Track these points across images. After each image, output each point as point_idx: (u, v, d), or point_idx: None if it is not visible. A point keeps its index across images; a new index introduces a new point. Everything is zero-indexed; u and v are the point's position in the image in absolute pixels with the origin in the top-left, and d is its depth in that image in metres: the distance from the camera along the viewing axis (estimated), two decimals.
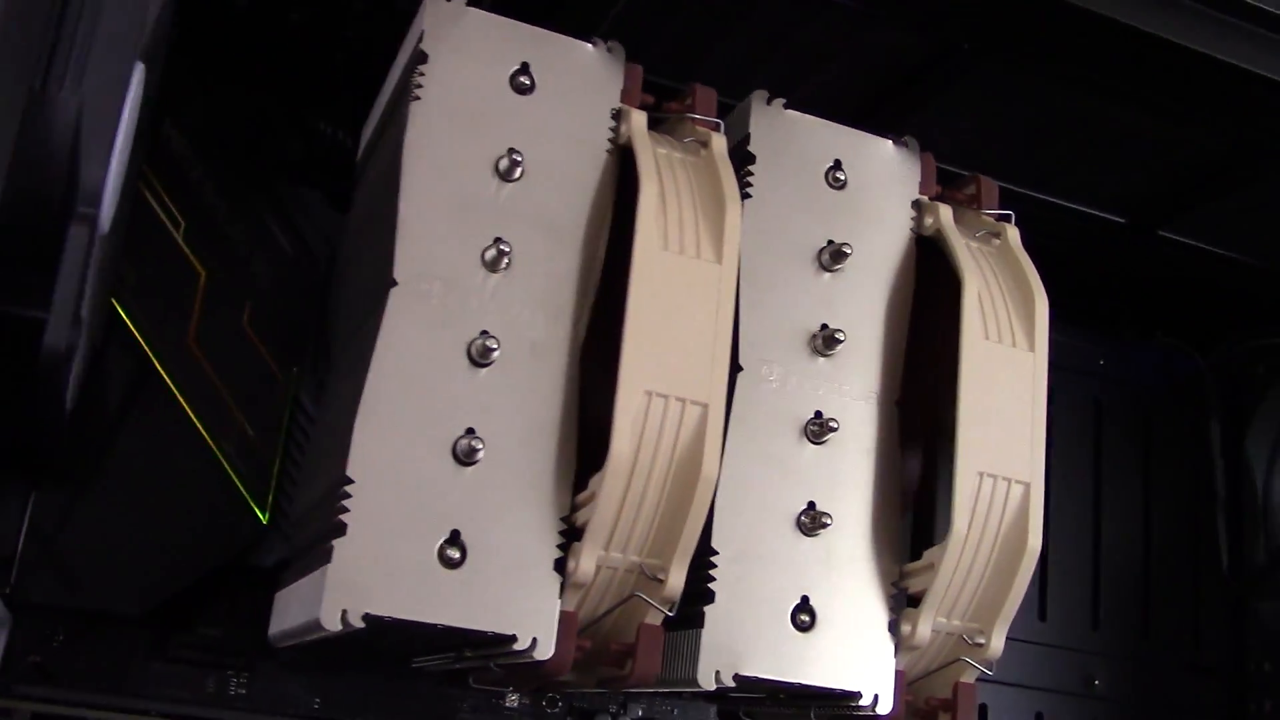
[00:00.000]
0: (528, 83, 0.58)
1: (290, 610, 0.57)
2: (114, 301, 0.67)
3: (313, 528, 0.57)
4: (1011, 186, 0.75)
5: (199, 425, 0.68)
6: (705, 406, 0.53)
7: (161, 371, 0.68)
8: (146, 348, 0.67)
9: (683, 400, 0.53)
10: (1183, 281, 0.91)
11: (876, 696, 0.57)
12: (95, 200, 0.44)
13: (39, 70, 0.44)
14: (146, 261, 0.69)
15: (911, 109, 0.74)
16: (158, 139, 0.70)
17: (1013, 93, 0.72)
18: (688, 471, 0.53)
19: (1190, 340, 0.96)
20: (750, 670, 0.55)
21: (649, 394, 0.53)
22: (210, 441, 0.68)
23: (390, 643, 0.59)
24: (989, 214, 0.64)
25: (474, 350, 0.54)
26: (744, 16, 0.67)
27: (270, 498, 0.70)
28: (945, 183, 0.66)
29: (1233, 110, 0.70)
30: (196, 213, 0.71)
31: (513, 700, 0.74)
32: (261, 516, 0.69)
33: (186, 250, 0.70)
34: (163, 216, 0.70)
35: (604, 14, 0.65)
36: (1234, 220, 0.84)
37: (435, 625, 0.51)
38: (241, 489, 0.69)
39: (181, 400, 0.68)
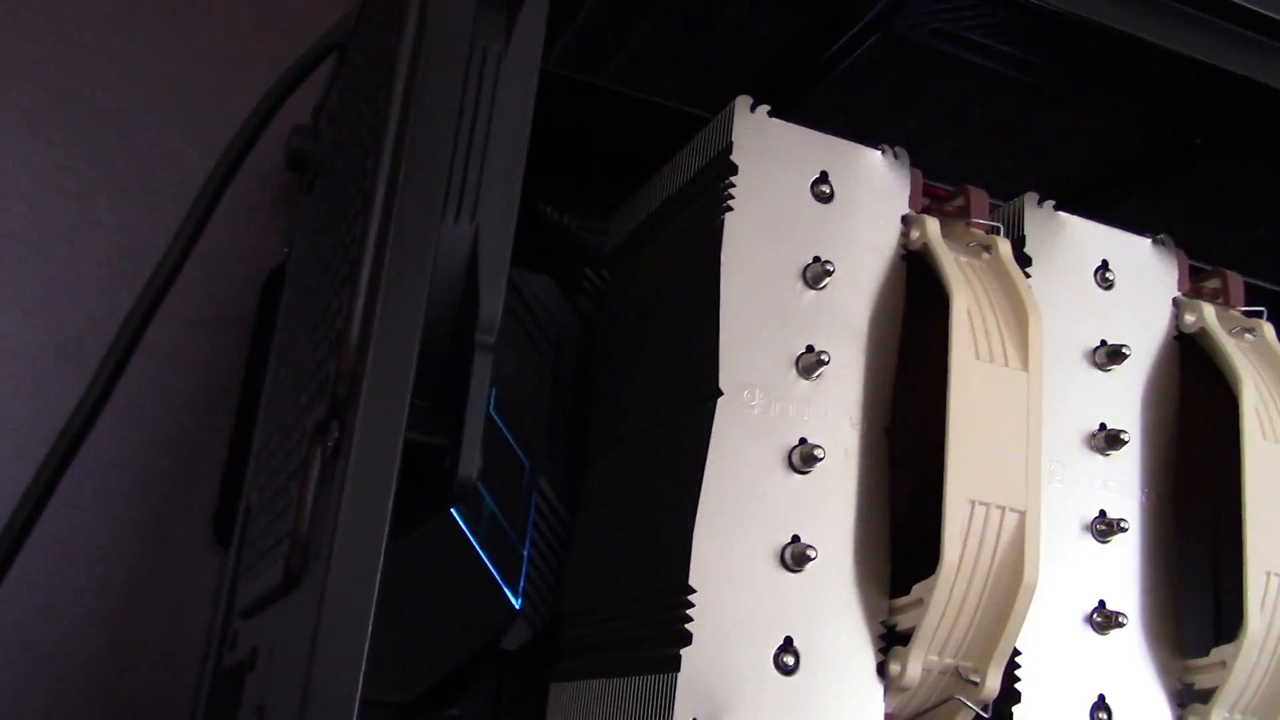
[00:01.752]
0: (828, 191, 0.59)
1: (598, 706, 0.58)
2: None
3: (622, 626, 0.58)
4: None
5: (455, 515, 0.69)
6: (1023, 514, 0.54)
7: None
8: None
9: (1002, 508, 0.54)
10: None
11: None
12: (492, 328, 0.45)
13: (440, 205, 0.45)
14: None
15: (1128, 196, 0.75)
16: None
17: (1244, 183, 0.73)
18: (1009, 577, 0.54)
19: None
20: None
21: (972, 503, 0.54)
22: (465, 530, 0.69)
23: None
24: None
25: (795, 457, 0.55)
26: (966, 110, 0.69)
27: (520, 584, 0.71)
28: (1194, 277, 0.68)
29: None
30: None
31: None
32: (515, 602, 0.70)
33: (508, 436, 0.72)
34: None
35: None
36: None
37: None
38: (496, 576, 0.70)
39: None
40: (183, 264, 0.71)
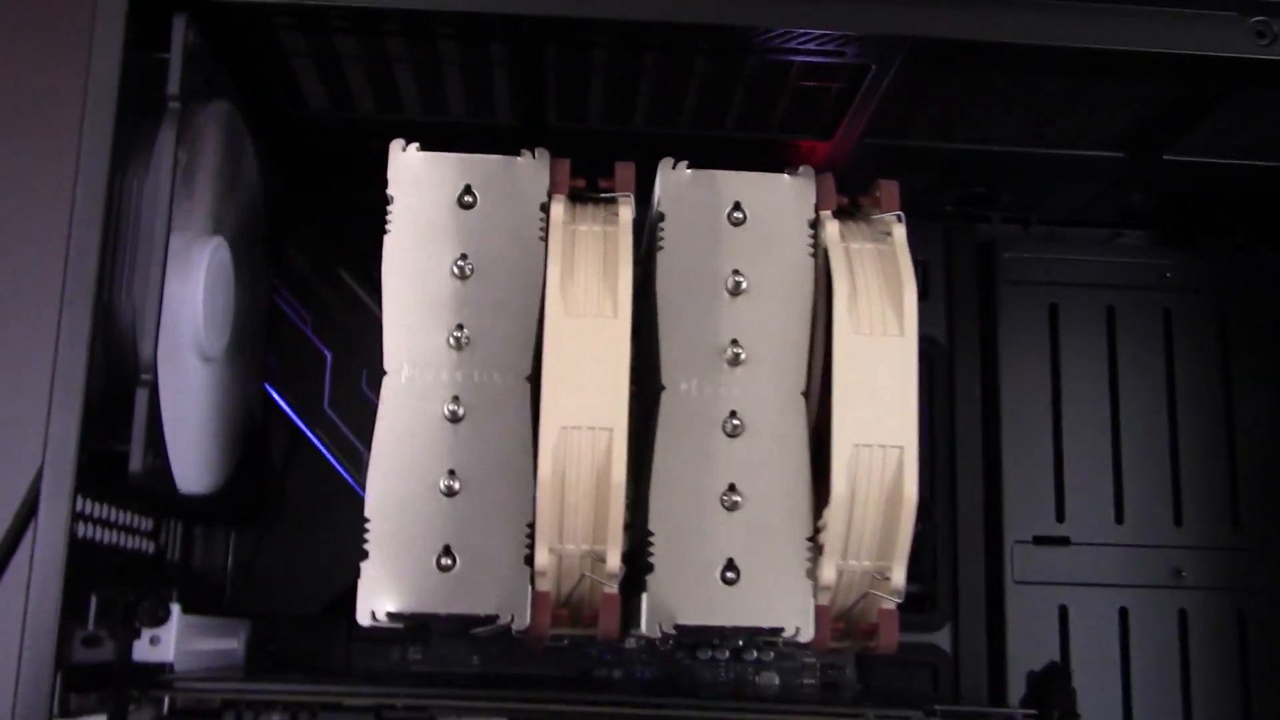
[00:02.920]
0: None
1: None
2: (266, 387, 0.92)
3: None
4: None
5: (341, 470, 0.92)
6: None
7: (308, 433, 0.93)
8: (290, 414, 0.93)
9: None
10: None
11: (798, 628, 0.72)
12: (151, 369, 0.68)
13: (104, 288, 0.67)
14: (286, 352, 0.93)
15: None
16: (283, 262, 0.94)
17: None
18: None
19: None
20: (686, 620, 0.72)
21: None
22: (352, 482, 0.92)
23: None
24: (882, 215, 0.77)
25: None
26: None
27: None
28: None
29: None
30: (320, 308, 0.95)
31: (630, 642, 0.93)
32: None
33: (315, 340, 0.95)
34: (294, 317, 0.95)
35: None
36: None
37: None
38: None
39: (326, 453, 0.93)
40: None
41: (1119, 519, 1.01)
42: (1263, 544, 1.00)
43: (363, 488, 0.73)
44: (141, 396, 0.68)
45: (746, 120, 0.88)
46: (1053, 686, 0.83)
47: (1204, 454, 1.02)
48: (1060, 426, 1.02)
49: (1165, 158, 0.94)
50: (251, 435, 0.90)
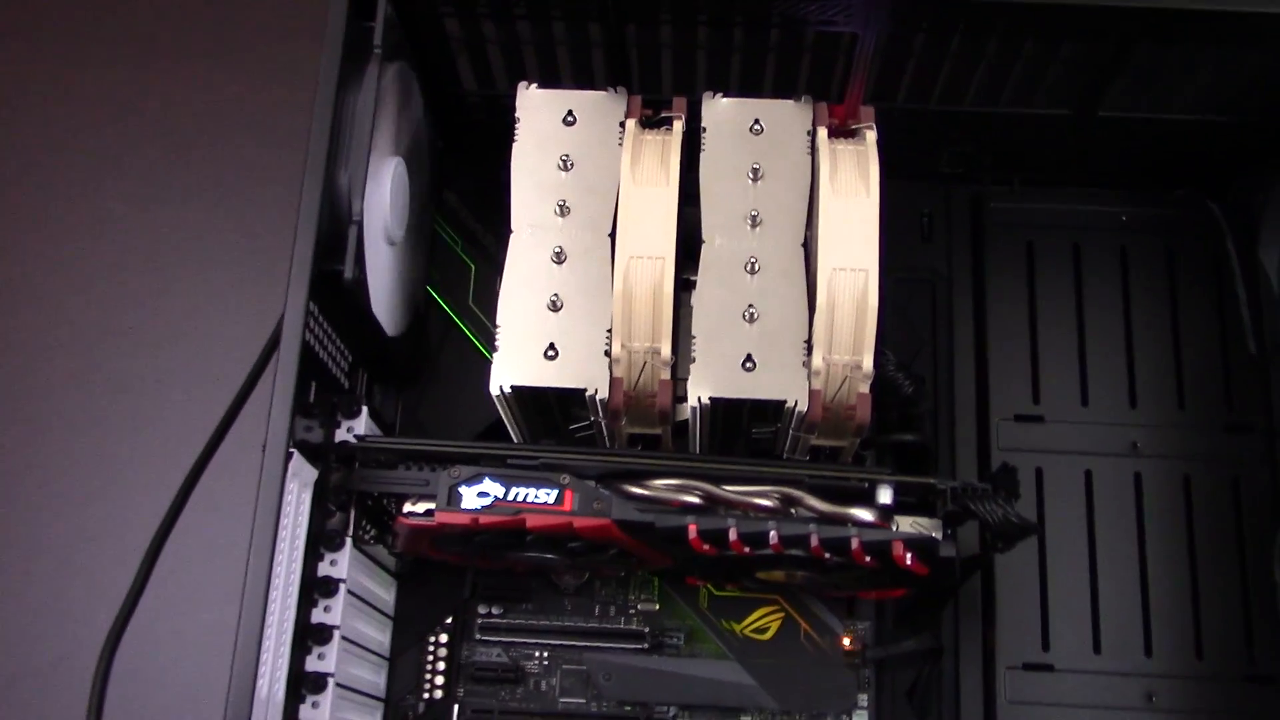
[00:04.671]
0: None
1: None
2: (429, 290, 1.26)
3: None
4: None
5: (479, 345, 1.25)
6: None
7: (458, 321, 1.26)
8: (446, 308, 1.27)
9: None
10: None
11: (797, 401, 1.01)
12: (359, 216, 1.02)
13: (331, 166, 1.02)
14: (441, 262, 1.28)
15: None
16: (441, 201, 1.30)
17: None
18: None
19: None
20: (717, 394, 1.00)
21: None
22: (486, 353, 1.24)
23: None
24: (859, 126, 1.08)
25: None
26: None
27: None
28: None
29: None
30: (467, 235, 1.29)
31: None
32: None
33: (464, 257, 1.29)
34: (450, 243, 1.29)
35: None
36: None
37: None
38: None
39: (472, 337, 1.26)
40: None
41: (1084, 402, 1.27)
42: (1199, 421, 1.26)
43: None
44: (352, 232, 1.02)
45: (779, 86, 1.21)
46: (1001, 474, 1.09)
47: (1154, 356, 1.29)
48: (1036, 335, 1.30)
49: (1100, 114, 1.23)
50: (418, 311, 1.24)
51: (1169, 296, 1.30)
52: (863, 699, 1.19)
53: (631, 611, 1.21)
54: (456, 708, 1.21)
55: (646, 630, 1.20)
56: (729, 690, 1.18)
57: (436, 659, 1.23)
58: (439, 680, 1.22)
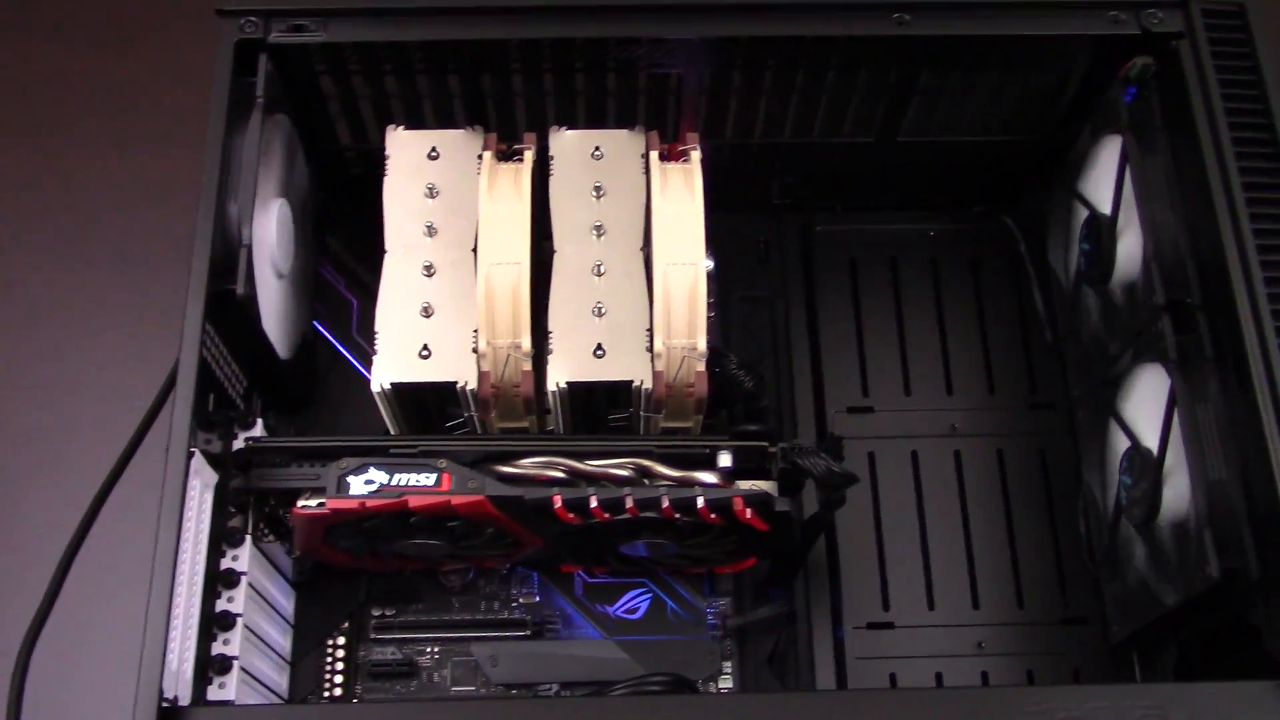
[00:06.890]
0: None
1: None
2: (315, 324, 1.39)
3: None
4: None
5: (363, 372, 1.38)
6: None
7: (342, 350, 1.39)
8: (331, 339, 1.39)
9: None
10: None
11: (643, 381, 1.16)
12: (249, 240, 1.15)
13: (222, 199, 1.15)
14: (326, 299, 1.41)
15: None
16: (324, 245, 1.43)
17: None
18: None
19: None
20: (573, 379, 1.13)
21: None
22: (364, 371, 1.37)
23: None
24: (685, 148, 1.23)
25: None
26: None
27: None
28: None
29: None
30: (348, 273, 1.43)
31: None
32: None
33: (346, 294, 1.42)
34: (332, 281, 1.43)
35: None
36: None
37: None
38: None
39: (356, 364, 1.39)
40: None
41: (908, 392, 1.44)
42: (1007, 403, 1.43)
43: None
44: (243, 254, 1.15)
45: (621, 125, 1.37)
46: (828, 440, 1.24)
47: (966, 350, 1.45)
48: (862, 338, 1.46)
49: (899, 140, 1.42)
50: (306, 340, 1.36)
51: (975, 298, 1.48)
52: (727, 666, 1.31)
53: (514, 604, 1.31)
54: (356, 704, 1.30)
55: (528, 619, 1.31)
56: (605, 665, 1.30)
57: (335, 660, 1.33)
58: (339, 679, 1.32)
